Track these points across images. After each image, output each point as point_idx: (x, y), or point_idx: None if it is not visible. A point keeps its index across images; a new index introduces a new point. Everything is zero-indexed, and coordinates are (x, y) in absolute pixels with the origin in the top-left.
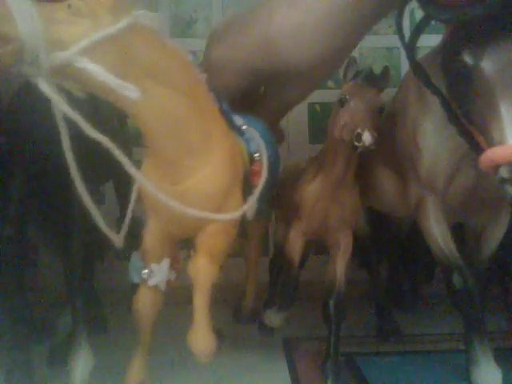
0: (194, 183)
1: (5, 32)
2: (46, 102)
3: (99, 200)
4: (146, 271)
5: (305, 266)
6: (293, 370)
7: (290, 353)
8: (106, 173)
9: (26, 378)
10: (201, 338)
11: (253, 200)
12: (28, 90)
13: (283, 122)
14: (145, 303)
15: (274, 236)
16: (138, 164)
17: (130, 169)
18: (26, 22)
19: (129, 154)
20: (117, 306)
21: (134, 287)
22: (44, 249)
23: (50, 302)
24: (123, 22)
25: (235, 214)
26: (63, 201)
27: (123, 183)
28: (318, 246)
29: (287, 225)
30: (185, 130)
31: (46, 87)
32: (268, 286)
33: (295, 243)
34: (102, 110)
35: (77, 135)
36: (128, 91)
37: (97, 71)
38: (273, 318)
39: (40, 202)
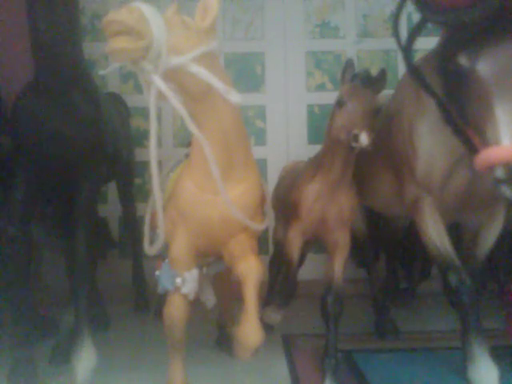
0: (234, 195)
1: (140, 29)
2: (48, 104)
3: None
4: (180, 279)
5: (303, 264)
6: (292, 366)
7: (288, 349)
8: (109, 173)
9: (28, 375)
10: (251, 330)
11: (269, 219)
12: (31, 93)
13: (283, 122)
14: (178, 310)
15: (273, 235)
16: (140, 165)
17: (214, 169)
18: (156, 26)
19: (132, 154)
20: (119, 305)
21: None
22: (47, 248)
23: (53, 301)
24: (218, 42)
25: (265, 225)
26: (66, 201)
27: (125, 183)
28: (317, 245)
29: (286, 224)
30: (234, 147)
31: (161, 84)
32: (267, 284)
33: (294, 242)
34: (105, 112)
35: (81, 138)
36: (231, 95)
37: (208, 76)
38: (272, 315)
39: (43, 201)
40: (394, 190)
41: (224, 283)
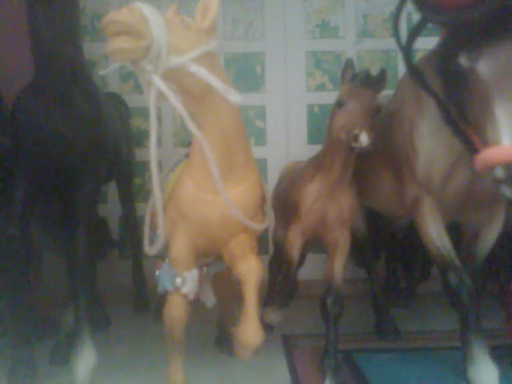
0: (234, 195)
1: (140, 29)
2: (48, 104)
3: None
4: (180, 279)
5: (303, 264)
6: (292, 366)
7: (288, 349)
8: (109, 173)
9: (28, 375)
10: (251, 330)
11: (269, 219)
12: (31, 93)
13: (283, 122)
14: (178, 310)
15: (273, 235)
16: (140, 165)
17: (214, 169)
18: (157, 26)
19: (132, 154)
20: (119, 305)
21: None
22: (47, 248)
23: (53, 301)
24: (218, 43)
25: (265, 225)
26: (66, 201)
27: (125, 183)
28: (317, 245)
29: (286, 224)
30: (234, 147)
31: (161, 84)
32: (267, 284)
33: (294, 242)
34: (105, 112)
35: (81, 138)
36: (231, 95)
37: (208, 76)
38: (272, 315)
39: (43, 201)
40: (394, 190)
41: (224, 283)
